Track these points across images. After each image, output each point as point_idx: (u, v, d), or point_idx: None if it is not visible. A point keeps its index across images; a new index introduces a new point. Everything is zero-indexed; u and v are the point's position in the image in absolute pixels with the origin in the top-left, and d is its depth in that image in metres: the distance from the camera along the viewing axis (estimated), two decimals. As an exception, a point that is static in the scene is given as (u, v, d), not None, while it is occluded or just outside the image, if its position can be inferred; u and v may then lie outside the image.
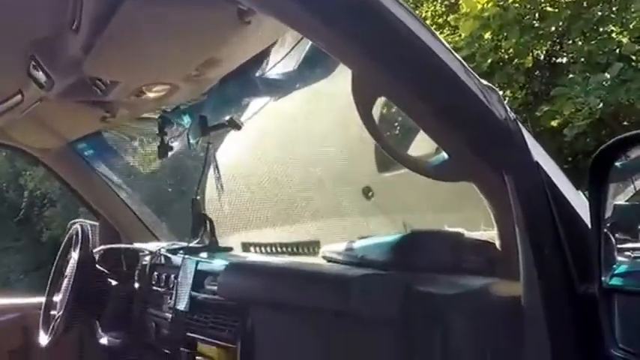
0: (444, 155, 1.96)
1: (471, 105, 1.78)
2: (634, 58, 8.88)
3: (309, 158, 3.22)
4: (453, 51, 1.78)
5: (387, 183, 2.93)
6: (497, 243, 2.05)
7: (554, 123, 8.55)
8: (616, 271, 1.74)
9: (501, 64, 9.39)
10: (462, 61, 1.80)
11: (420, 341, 1.89)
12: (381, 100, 2.01)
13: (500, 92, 1.91)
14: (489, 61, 9.17)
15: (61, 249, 3.66)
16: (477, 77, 1.81)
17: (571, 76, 8.84)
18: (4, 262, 11.90)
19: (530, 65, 9.57)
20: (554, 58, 9.91)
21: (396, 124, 2.74)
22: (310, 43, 2.52)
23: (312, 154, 3.21)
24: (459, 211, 2.46)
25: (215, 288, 2.74)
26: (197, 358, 2.81)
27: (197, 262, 2.93)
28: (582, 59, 9.11)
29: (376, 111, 2.07)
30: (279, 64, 2.84)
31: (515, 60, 9.45)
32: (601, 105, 8.11)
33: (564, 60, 9.75)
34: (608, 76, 8.38)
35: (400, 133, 2.73)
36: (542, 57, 9.89)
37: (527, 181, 1.81)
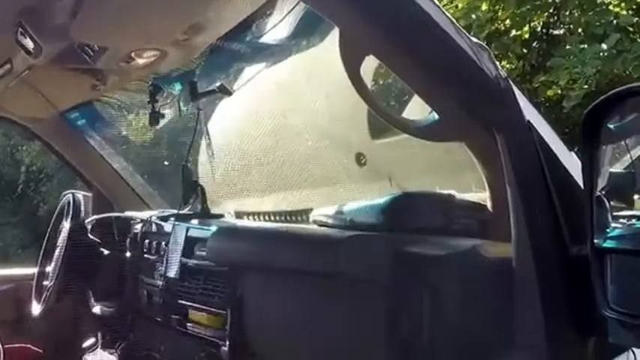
0: (434, 115, 1.94)
1: (460, 62, 1.76)
2: (631, 29, 8.84)
3: (301, 125, 3.20)
4: (441, 8, 1.75)
5: (380, 149, 2.91)
6: (489, 204, 2.03)
7: (550, 93, 8.51)
8: (610, 235, 1.72)
9: (498, 35, 9.34)
10: (451, 18, 1.77)
11: (409, 302, 1.88)
12: (370, 61, 1.99)
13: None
14: (486, 32, 9.11)
15: (53, 219, 3.65)
16: (467, 35, 1.78)
17: (568, 47, 8.80)
18: (1, 238, 11.90)
19: (527, 36, 9.53)
20: (551, 30, 9.84)
21: (386, 85, 2.72)
22: (301, 6, 2.50)
23: (305, 122, 3.18)
24: (451, 175, 2.44)
25: (204, 254, 2.72)
26: (188, 325, 2.79)
27: (187, 229, 2.91)
28: (579, 30, 9.07)
29: (366, 72, 2.05)
30: (270, 30, 2.81)
31: (512, 31, 9.41)
32: (597, 75, 8.08)
33: (561, 31, 9.69)
34: (605, 46, 8.35)
35: (390, 94, 2.71)
36: (539, 28, 9.84)
37: (518, 140, 1.79)
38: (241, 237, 2.61)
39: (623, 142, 1.86)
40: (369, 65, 2.04)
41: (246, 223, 3.11)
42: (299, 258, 2.21)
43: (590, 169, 1.74)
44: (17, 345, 3.50)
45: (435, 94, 1.87)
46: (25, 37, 2.56)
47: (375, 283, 1.96)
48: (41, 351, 3.65)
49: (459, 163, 2.38)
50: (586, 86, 8.09)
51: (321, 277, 2.11)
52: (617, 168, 1.84)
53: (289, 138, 3.17)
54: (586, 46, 8.50)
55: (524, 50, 9.58)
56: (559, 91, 8.45)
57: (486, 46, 1.85)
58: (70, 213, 3.38)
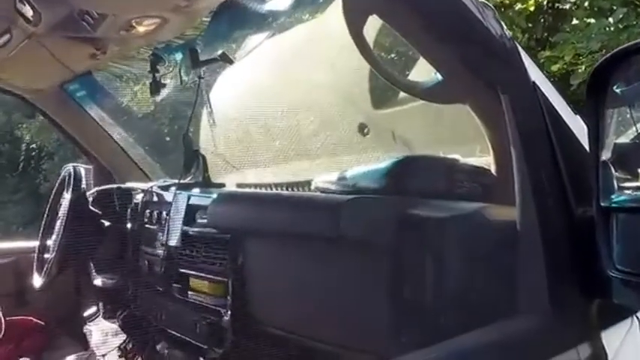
0: (438, 76, 1.92)
1: (465, 21, 1.74)
2: (638, 3, 8.79)
3: (304, 96, 3.18)
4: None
5: (383, 119, 2.89)
6: (493, 168, 2.02)
7: (555, 68, 8.47)
8: (615, 199, 1.71)
9: (503, 9, 9.28)
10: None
11: (412, 265, 1.86)
12: (373, 22, 1.97)
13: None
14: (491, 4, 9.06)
15: (53, 191, 3.63)
16: (471, -7, 1.76)
17: (574, 21, 8.76)
18: (2, 216, 11.89)
19: (533, 10, 9.48)
20: (557, 4, 9.80)
21: (390, 46, 2.69)
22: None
23: (308, 92, 3.16)
24: (455, 144, 2.42)
25: (206, 221, 2.71)
26: (189, 293, 2.78)
27: (189, 197, 2.89)
28: (586, 4, 9.01)
29: (369, 34, 2.03)
30: (273, -2, 2.80)
31: (518, 4, 9.36)
32: (602, 51, 8.04)
33: (567, 5, 9.63)
34: (611, 20, 8.31)
35: (394, 56, 2.70)
36: (545, 2, 9.80)
37: (523, 100, 1.77)
38: (242, 203, 2.59)
39: (628, 115, 1.85)
40: (373, 26, 2.02)
41: (247, 190, 3.09)
42: (300, 223, 2.20)
43: (596, 131, 1.73)
44: (19, 317, 3.49)
45: (438, 54, 1.86)
46: (25, 5, 2.55)
47: (377, 245, 1.94)
48: (43, 323, 3.64)
49: (463, 131, 2.37)
50: (591, 61, 8.05)
51: (323, 241, 2.09)
52: (623, 139, 1.82)
53: (291, 108, 3.15)
54: (593, 20, 8.45)
55: (530, 24, 9.53)
56: (564, 67, 8.41)
57: (491, 6, 1.82)
58: (71, 185, 3.36)
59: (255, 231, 2.45)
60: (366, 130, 2.88)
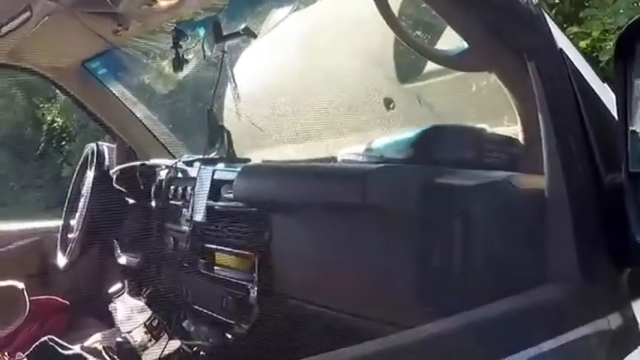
0: (464, 45, 1.91)
1: (490, -13, 1.72)
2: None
3: (329, 71, 3.17)
4: None
5: (409, 93, 2.88)
6: (520, 137, 2.00)
7: (583, 44, 8.39)
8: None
9: (531, -16, 9.20)
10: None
11: (440, 234, 1.85)
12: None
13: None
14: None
15: (76, 170, 3.64)
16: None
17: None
18: (25, 200, 11.87)
19: (561, -15, 9.40)
20: (585, -22, 9.71)
21: (416, 15, 2.68)
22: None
23: (333, 67, 3.15)
24: (481, 116, 2.41)
25: (231, 195, 2.71)
26: (215, 268, 2.78)
27: (214, 172, 2.88)
28: (613, -21, 8.93)
29: (395, 4, 2.02)
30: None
31: (546, -20, 9.29)
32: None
33: (595, -20, 9.54)
34: (640, -5, 8.25)
35: (420, 25, 2.68)
36: (573, -24, 9.70)
37: (550, 67, 1.75)
38: (268, 176, 2.57)
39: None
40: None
41: (273, 163, 3.07)
42: (327, 193, 2.18)
43: (624, 98, 1.71)
44: (43, 297, 3.49)
45: (464, 22, 1.84)
46: (45, -20, 2.54)
47: (406, 214, 1.93)
48: (67, 302, 3.65)
49: (488, 103, 2.35)
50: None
51: (350, 210, 2.08)
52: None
53: (316, 84, 3.15)
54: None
55: (557, 0, 9.45)
56: (592, 43, 8.34)
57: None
58: (94, 163, 3.36)
59: (282, 203, 2.44)
60: (391, 105, 2.87)
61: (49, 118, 11.46)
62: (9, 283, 3.14)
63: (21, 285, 3.14)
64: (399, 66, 2.90)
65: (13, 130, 12.26)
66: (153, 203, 3.35)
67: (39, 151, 11.78)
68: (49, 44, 3.37)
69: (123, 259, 3.50)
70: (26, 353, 2.93)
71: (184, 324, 3.02)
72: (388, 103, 2.88)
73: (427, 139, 2.09)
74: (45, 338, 2.97)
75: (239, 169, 2.73)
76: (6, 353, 2.95)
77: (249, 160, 3.07)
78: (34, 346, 2.94)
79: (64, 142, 11.54)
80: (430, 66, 2.84)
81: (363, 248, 2.07)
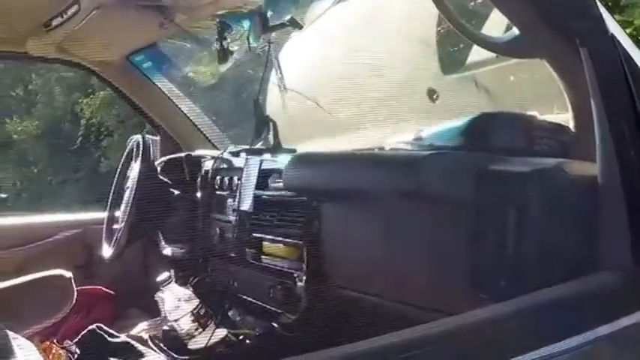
0: (515, 31, 1.91)
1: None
2: None
3: (373, 62, 3.17)
4: None
5: (452, 85, 2.88)
6: (571, 124, 2.00)
7: (626, 31, 8.32)
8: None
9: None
10: None
11: (493, 220, 1.85)
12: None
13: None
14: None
15: (121, 162, 3.66)
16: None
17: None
18: (63, 194, 11.94)
19: (604, -28, 9.32)
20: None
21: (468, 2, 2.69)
22: None
23: (377, 58, 3.15)
24: (528, 107, 2.40)
25: (280, 185, 2.72)
26: (262, 257, 2.79)
27: (261, 162, 2.90)
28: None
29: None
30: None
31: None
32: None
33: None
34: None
35: (471, 11, 2.68)
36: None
37: (603, 53, 1.75)
38: (319, 165, 2.56)
39: None
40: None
41: (322, 151, 3.07)
42: (379, 178, 2.18)
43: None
44: (89, 287, 3.53)
45: (515, 8, 1.84)
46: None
47: (458, 201, 1.93)
48: (112, 292, 3.69)
49: (534, 93, 2.35)
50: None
51: (402, 198, 2.08)
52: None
53: (360, 74, 3.15)
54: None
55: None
56: (634, 32, 8.27)
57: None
58: (140, 155, 3.38)
59: (331, 191, 2.44)
60: (435, 96, 2.88)
61: (87, 112, 11.51)
62: (57, 272, 3.18)
63: (68, 274, 3.18)
64: (442, 57, 2.90)
65: (53, 124, 12.35)
66: (198, 194, 3.37)
67: (77, 145, 11.84)
68: (96, 38, 3.41)
69: (169, 249, 3.53)
70: (75, 340, 2.97)
71: (231, 313, 3.03)
72: (432, 94, 2.88)
73: (477, 126, 2.09)
74: (93, 326, 3.01)
75: (288, 159, 2.74)
76: (55, 341, 2.99)
77: (294, 150, 3.08)
78: (82, 333, 2.98)
79: (102, 137, 11.59)
80: (472, 57, 2.84)
81: (415, 236, 2.07)
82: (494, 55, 2.51)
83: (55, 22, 3.13)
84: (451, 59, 2.98)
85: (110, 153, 11.44)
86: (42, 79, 12.36)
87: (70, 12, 2.99)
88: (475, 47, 2.68)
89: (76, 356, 2.91)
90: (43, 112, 12.48)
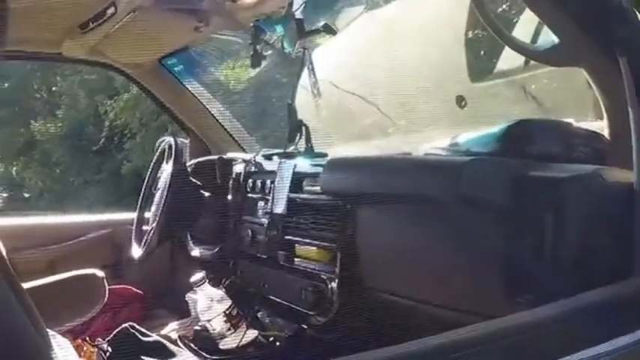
0: (555, 39, 1.93)
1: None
2: None
3: (402, 69, 3.20)
4: None
5: (480, 93, 2.90)
6: (607, 131, 2.02)
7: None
8: None
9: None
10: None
11: (532, 224, 1.87)
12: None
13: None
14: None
15: (152, 164, 3.68)
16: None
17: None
18: (84, 195, 11.99)
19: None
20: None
21: (507, 9, 2.70)
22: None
23: (407, 65, 3.18)
24: (562, 116, 2.42)
25: (314, 189, 2.73)
26: (295, 259, 2.81)
27: (295, 165, 2.91)
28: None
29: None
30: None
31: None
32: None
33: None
34: None
35: (511, 18, 2.70)
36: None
37: (641, 62, 1.77)
38: (356, 169, 2.55)
39: None
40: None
41: (358, 155, 3.07)
42: (419, 183, 2.19)
43: None
44: (118, 286, 3.56)
45: (555, 16, 1.86)
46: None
47: (498, 205, 1.94)
48: (141, 292, 3.72)
49: (564, 101, 2.37)
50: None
51: (441, 202, 2.09)
52: None
53: (391, 81, 3.17)
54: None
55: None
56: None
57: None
58: (173, 157, 3.40)
59: (368, 196, 2.43)
60: (463, 103, 2.89)
61: (111, 115, 11.56)
62: (90, 271, 3.22)
63: (101, 273, 3.22)
64: (470, 65, 2.92)
65: (77, 126, 12.41)
66: (230, 196, 3.39)
67: (99, 146, 11.89)
68: (130, 40, 3.43)
69: (198, 251, 3.56)
70: (107, 339, 3.00)
71: (261, 314, 3.05)
72: (460, 101, 2.90)
73: (514, 132, 2.10)
74: (126, 325, 3.04)
75: (322, 163, 2.75)
76: (87, 338, 3.02)
77: (326, 155, 3.09)
78: (115, 332, 3.01)
79: (125, 139, 11.63)
80: (500, 66, 2.86)
81: (454, 240, 2.07)
82: (521, 64, 2.53)
83: (91, 25, 3.16)
84: (479, 67, 3.00)
85: (132, 156, 11.49)
86: (66, 81, 12.43)
87: (106, 14, 3.02)
88: (503, 56, 2.71)
89: (108, 354, 2.93)
90: (67, 113, 12.53)
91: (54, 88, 12.70)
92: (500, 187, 1.92)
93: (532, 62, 2.39)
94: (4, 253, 1.86)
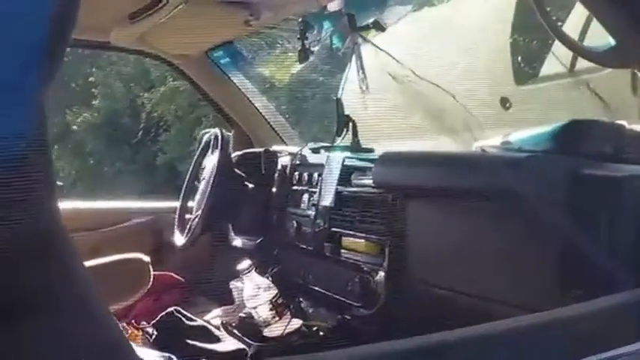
0: (611, 41, 1.95)
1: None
2: None
3: (447, 69, 3.22)
4: None
5: (525, 95, 2.92)
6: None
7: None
8: None
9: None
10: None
11: (585, 222, 1.89)
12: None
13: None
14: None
15: (196, 154, 3.72)
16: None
17: None
18: (118, 185, 12.03)
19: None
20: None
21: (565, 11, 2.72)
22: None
23: (451, 65, 3.20)
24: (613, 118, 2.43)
25: (363, 182, 2.76)
26: (342, 251, 2.85)
27: (344, 159, 2.95)
28: None
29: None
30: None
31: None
32: None
33: None
34: None
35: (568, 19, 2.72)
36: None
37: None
38: (410, 163, 2.57)
39: None
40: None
41: (413, 151, 3.07)
42: (472, 179, 2.21)
43: None
44: (160, 272, 3.60)
45: (613, 19, 1.88)
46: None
47: (551, 202, 1.96)
48: (183, 279, 3.76)
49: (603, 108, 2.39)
50: None
51: (493, 198, 2.12)
52: None
53: (437, 81, 3.19)
54: None
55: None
56: None
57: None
58: (219, 147, 3.44)
59: (419, 190, 2.46)
60: (507, 105, 2.92)
61: (148, 106, 11.63)
62: (137, 256, 3.27)
63: (147, 258, 3.27)
64: (515, 68, 2.94)
65: (113, 117, 12.48)
66: (274, 188, 3.44)
67: (136, 138, 11.95)
68: (179, 31, 3.46)
69: (241, 240, 3.60)
70: (152, 322, 3.05)
71: (306, 304, 3.08)
72: (505, 102, 2.93)
73: (567, 132, 2.12)
74: (171, 309, 3.09)
75: (372, 157, 2.78)
76: (133, 321, 3.07)
77: (373, 150, 3.11)
78: (160, 315, 3.06)
79: (160, 132, 11.70)
80: (545, 70, 2.88)
81: (507, 235, 2.10)
82: (566, 68, 2.56)
83: (141, 15, 3.19)
84: (524, 70, 3.03)
85: (166, 148, 11.56)
86: (102, 72, 12.50)
87: (158, 5, 3.04)
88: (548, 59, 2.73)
89: (153, 337, 2.99)
90: (103, 104, 12.61)
91: (90, 79, 12.76)
92: (556, 183, 1.94)
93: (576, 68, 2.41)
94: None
